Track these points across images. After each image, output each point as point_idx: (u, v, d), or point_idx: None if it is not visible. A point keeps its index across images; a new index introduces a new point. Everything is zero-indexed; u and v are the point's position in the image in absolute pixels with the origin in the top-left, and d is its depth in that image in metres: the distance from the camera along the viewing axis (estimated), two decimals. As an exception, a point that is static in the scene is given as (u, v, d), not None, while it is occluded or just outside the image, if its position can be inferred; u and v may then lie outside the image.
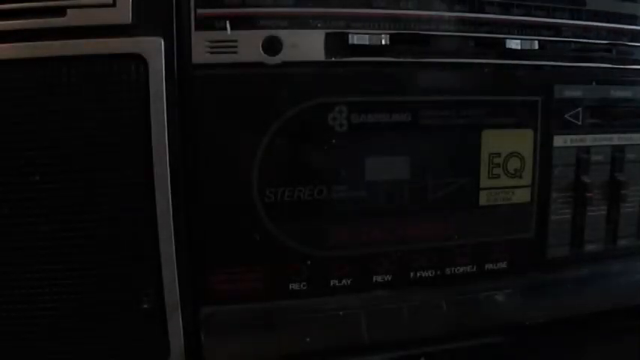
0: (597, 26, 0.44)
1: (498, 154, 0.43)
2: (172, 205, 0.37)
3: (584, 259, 0.46)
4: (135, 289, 0.38)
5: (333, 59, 0.39)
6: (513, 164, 0.43)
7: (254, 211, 0.39)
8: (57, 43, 0.35)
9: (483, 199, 0.43)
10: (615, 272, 0.48)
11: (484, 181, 0.43)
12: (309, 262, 0.41)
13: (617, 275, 0.48)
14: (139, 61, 0.36)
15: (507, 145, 0.43)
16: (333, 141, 0.40)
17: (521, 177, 0.44)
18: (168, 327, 0.39)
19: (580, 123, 0.45)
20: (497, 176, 0.43)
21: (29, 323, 0.37)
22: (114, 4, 0.35)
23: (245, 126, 0.38)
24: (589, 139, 0.45)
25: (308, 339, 0.41)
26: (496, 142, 0.43)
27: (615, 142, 0.46)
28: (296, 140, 0.39)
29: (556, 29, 0.43)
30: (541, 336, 0.46)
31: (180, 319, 0.39)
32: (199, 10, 0.37)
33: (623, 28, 0.45)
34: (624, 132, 0.46)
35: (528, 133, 0.43)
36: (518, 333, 0.45)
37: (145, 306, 0.38)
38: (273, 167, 0.39)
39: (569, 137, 0.44)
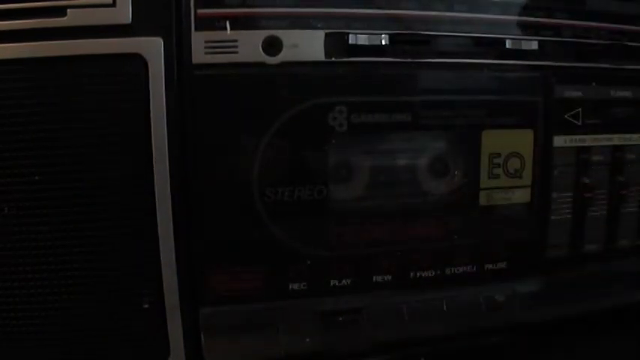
0: (597, 26, 0.44)
1: (498, 155, 0.43)
2: (172, 204, 0.37)
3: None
4: (135, 289, 0.38)
5: (333, 59, 0.39)
6: (513, 164, 0.43)
7: (254, 211, 0.39)
8: (57, 43, 0.35)
9: (483, 199, 0.43)
10: (615, 272, 0.48)
11: (484, 182, 0.43)
12: (308, 262, 0.41)
13: (617, 275, 0.48)
14: (139, 61, 0.36)
15: (507, 145, 0.43)
16: (333, 141, 0.39)
17: (521, 177, 0.44)
18: (168, 327, 0.39)
19: (580, 123, 0.45)
20: (498, 176, 0.43)
21: (28, 324, 0.37)
22: (114, 4, 0.35)
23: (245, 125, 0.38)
24: (589, 140, 0.45)
25: (308, 339, 0.41)
26: (496, 142, 0.43)
27: (615, 143, 0.46)
28: (296, 140, 0.39)
29: (556, 29, 0.43)
30: (541, 336, 0.47)
31: (181, 319, 0.39)
32: (199, 10, 0.37)
33: (623, 28, 0.45)
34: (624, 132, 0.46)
35: (528, 134, 0.43)
36: (518, 333, 0.45)
37: (145, 306, 0.38)
38: (273, 167, 0.39)
39: (568, 137, 0.44)
